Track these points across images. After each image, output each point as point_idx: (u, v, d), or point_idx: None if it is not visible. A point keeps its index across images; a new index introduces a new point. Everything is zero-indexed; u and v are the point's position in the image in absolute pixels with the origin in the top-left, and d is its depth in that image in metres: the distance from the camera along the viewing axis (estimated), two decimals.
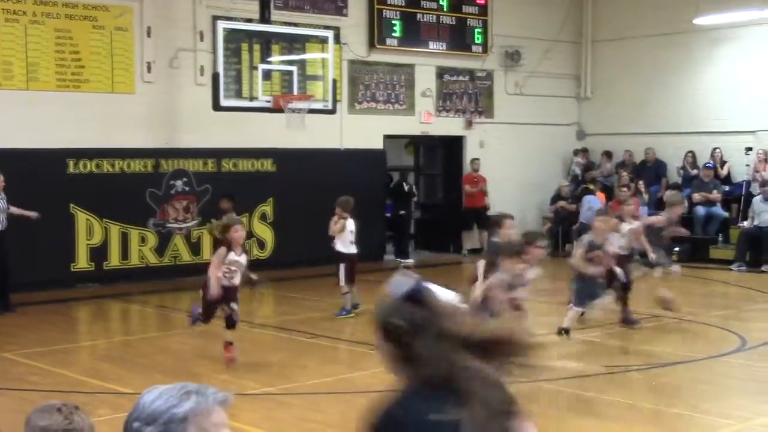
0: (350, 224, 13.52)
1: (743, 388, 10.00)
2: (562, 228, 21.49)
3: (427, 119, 21.09)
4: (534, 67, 22.41)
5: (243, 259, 10.48)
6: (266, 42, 16.74)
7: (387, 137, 20.53)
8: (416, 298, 3.03)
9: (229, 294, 10.28)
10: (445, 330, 2.96)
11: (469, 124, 21.81)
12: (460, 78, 21.63)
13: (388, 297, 3.07)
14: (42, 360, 10.81)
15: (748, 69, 20.78)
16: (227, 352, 10.45)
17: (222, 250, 10.40)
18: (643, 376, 10.18)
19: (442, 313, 3.01)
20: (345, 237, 13.52)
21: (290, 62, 17.01)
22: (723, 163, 20.99)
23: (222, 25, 16.12)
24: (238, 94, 16.60)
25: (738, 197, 20.21)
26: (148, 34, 17.05)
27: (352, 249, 13.59)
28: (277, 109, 16.32)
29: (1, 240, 13.71)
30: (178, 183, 17.45)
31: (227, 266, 10.27)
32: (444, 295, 3.15)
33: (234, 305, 10.34)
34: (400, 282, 3.10)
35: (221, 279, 10.18)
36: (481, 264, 10.45)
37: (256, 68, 16.53)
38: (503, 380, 3.08)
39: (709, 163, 20.88)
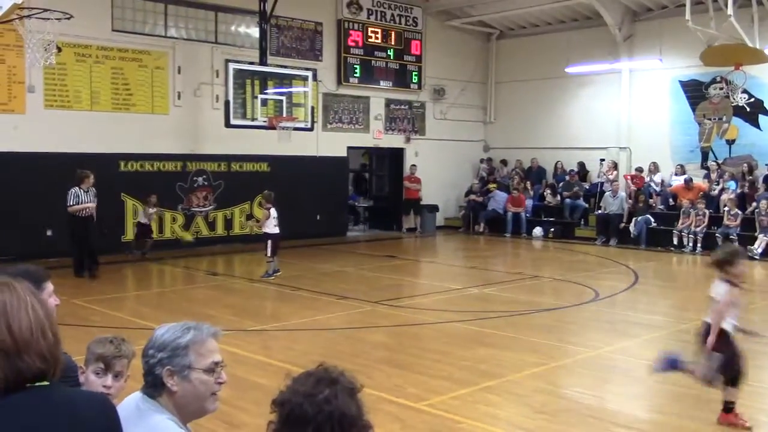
0: (273, 212, 13.03)
1: (596, 326, 10.12)
2: (473, 214, 21.62)
3: (378, 136, 21.05)
4: (454, 99, 22.46)
5: None
6: (263, 79, 16.63)
7: (349, 148, 20.47)
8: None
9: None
10: None
11: (407, 140, 21.81)
12: (402, 107, 21.61)
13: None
14: (100, 305, 10.69)
15: (601, 104, 21.03)
16: (732, 417, 5.91)
17: (734, 290, 5.77)
18: (526, 318, 10.26)
19: None
20: (270, 222, 13.08)
21: (281, 93, 16.91)
22: (586, 172, 21.22)
23: (232, 66, 15.97)
24: (243, 116, 16.46)
25: (594, 194, 20.44)
26: (179, 72, 16.86)
27: (276, 230, 13.05)
28: (271, 127, 16.24)
29: (87, 224, 12.92)
30: (200, 179, 17.30)
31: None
32: None
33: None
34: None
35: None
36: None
37: (256, 97, 16.43)
38: None
39: (572, 170, 21.13)
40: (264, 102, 16.51)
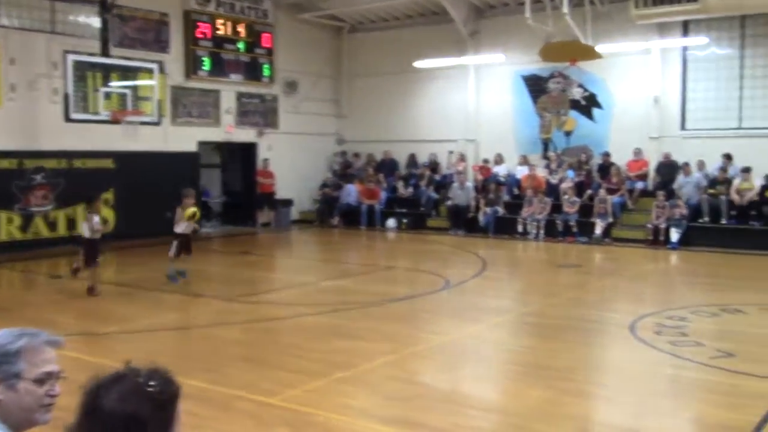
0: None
1: (447, 313, 10.42)
2: (327, 206, 21.71)
3: (229, 130, 20.67)
4: (307, 93, 22.43)
5: None
6: (106, 71, 15.91)
7: (200, 143, 19.98)
8: None
9: None
10: None
11: (260, 134, 21.56)
12: (254, 100, 21.33)
13: None
14: None
15: (450, 98, 21.67)
16: None
17: None
18: (380, 308, 10.42)
19: None
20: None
21: (126, 86, 16.23)
22: (436, 164, 21.78)
23: (71, 57, 15.18)
24: (85, 110, 15.66)
25: (445, 185, 21.02)
26: (12, 63, 15.84)
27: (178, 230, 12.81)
28: (115, 121, 15.58)
29: None
30: (38, 177, 16.31)
31: None
32: None
33: None
34: None
35: None
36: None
37: (98, 90, 15.69)
38: None
39: (425, 162, 21.67)
40: (107, 95, 15.78)
